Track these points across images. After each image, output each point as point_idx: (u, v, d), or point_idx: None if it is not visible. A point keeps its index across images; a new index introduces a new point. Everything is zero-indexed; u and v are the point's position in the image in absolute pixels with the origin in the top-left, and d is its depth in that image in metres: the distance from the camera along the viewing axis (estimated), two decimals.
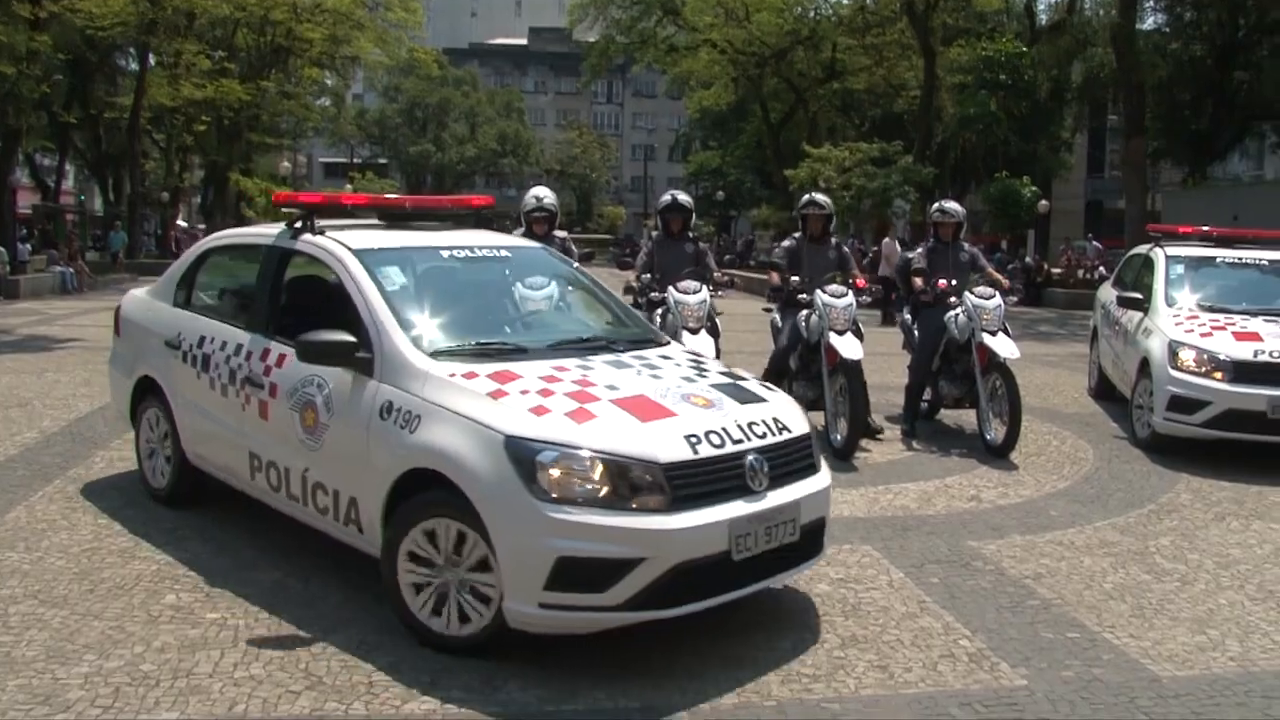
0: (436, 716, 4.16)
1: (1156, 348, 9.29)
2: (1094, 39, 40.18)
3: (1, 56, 24.05)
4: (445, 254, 6.03)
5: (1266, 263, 10.58)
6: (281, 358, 5.58)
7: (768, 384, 5.81)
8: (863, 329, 9.14)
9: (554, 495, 4.33)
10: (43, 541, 6.08)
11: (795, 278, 9.41)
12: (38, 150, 45.13)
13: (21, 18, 24.74)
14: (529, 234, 9.10)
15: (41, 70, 28.86)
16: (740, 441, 4.75)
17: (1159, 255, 10.66)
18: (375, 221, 6.35)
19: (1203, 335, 9.11)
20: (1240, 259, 10.59)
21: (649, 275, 9.32)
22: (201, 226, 47.35)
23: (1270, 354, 8.74)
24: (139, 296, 7.36)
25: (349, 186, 53.09)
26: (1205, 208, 28.62)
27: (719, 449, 4.65)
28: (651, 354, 5.60)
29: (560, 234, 9.46)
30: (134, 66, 39.32)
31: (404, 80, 71.46)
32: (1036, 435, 9.76)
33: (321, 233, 5.87)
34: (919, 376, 9.80)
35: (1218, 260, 10.61)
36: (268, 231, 6.38)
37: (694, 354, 6.00)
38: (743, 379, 5.54)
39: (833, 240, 9.91)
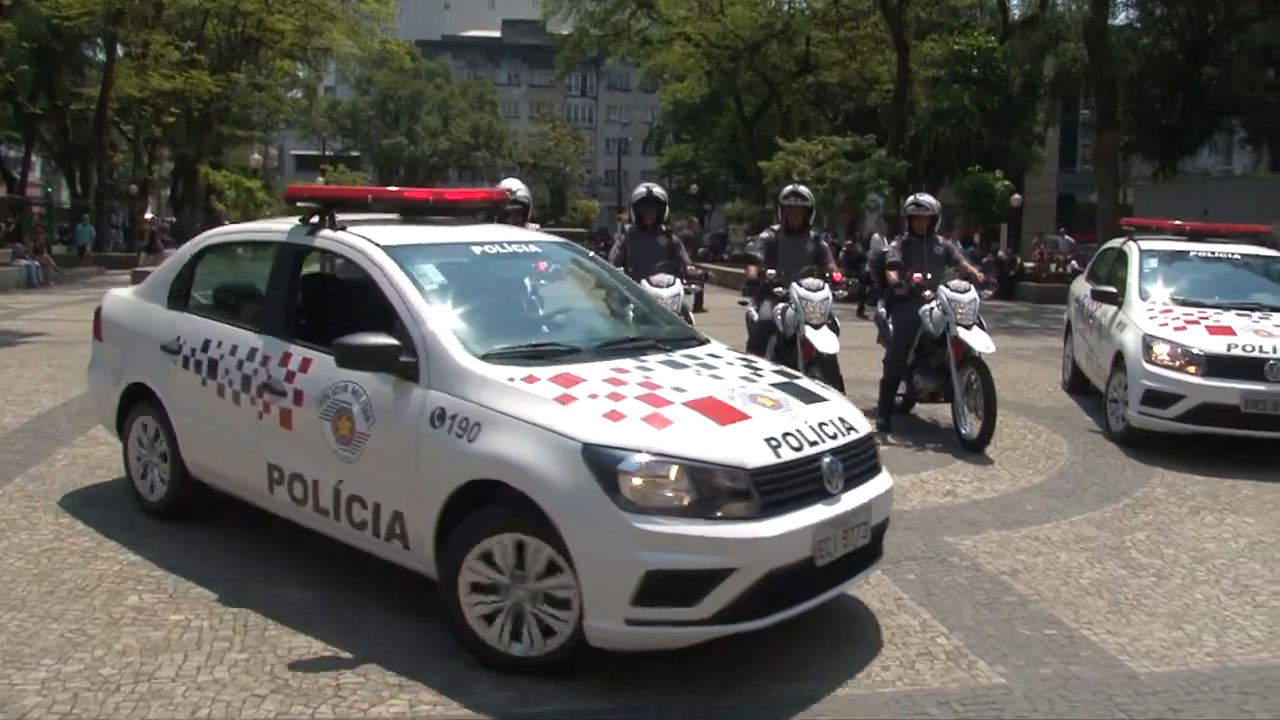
0: (406, 719, 4.07)
1: (1131, 342, 9.28)
2: (1066, 34, 40.34)
3: None
4: (477, 250, 5.73)
5: (1238, 257, 10.63)
6: (306, 362, 5.24)
7: (822, 383, 5.68)
8: (839, 323, 9.10)
9: (639, 505, 4.12)
10: (1, 542, 5.94)
11: (772, 271, 9.34)
12: (3, 142, 44.66)
13: None
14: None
15: (5, 59, 28.49)
16: (816, 443, 4.61)
17: (1133, 249, 10.66)
18: (390, 216, 6.00)
19: (1177, 329, 9.11)
20: (1213, 253, 10.62)
21: (622, 269, 9.23)
22: (171, 220, 46.96)
23: (1243, 348, 8.74)
24: (123, 297, 6.86)
25: (321, 179, 52.73)
26: (1175, 202, 28.80)
27: (798, 451, 4.50)
28: (700, 353, 5.44)
29: (533, 227, 9.35)
30: (101, 57, 38.95)
31: (376, 72, 71.08)
32: (1011, 429, 9.75)
33: (343, 228, 5.54)
34: (894, 371, 9.76)
35: (1190, 254, 10.63)
36: (278, 227, 6.00)
37: (742, 353, 5.86)
38: (796, 377, 5.45)
39: (811, 233, 9.85)
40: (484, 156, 75.25)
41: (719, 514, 4.19)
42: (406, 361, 4.77)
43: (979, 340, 8.93)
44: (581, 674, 4.41)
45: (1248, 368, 8.64)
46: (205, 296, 6.42)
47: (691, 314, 9.12)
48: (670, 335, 5.78)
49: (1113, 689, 4.54)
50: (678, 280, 8.90)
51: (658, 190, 9.80)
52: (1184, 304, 9.68)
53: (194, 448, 5.98)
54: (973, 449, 8.84)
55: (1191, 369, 8.76)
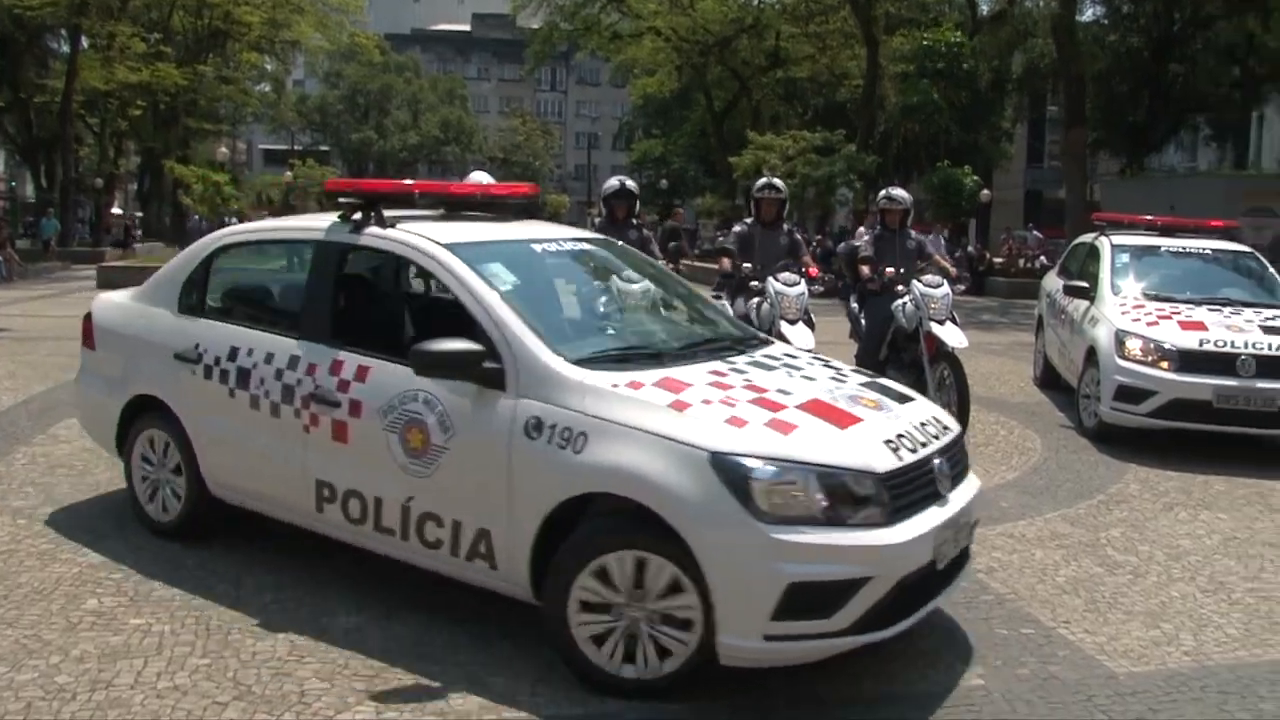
0: None
1: (1103, 337, 9.27)
2: (1034, 30, 40.51)
3: None
4: (537, 248, 5.50)
5: (1209, 252, 10.65)
6: (362, 370, 4.86)
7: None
8: (814, 317, 9.04)
9: (774, 515, 3.94)
10: None
11: (747, 265, 9.26)
12: None
13: None
14: None
15: None
16: (925, 445, 4.51)
17: (1104, 244, 10.66)
18: (424, 213, 5.62)
19: (1149, 324, 9.10)
20: (1184, 248, 10.65)
21: None
22: (138, 214, 46.49)
23: (1215, 343, 8.74)
24: (119, 302, 6.31)
25: (289, 173, 52.33)
26: (1142, 198, 28.94)
27: (914, 454, 4.39)
28: (777, 352, 5.31)
29: None
30: (65, 48, 38.35)
31: (345, 66, 70.66)
32: (984, 425, 9.71)
33: (392, 225, 5.21)
34: (866, 366, 9.69)
35: (1162, 249, 10.65)
36: (312, 225, 5.59)
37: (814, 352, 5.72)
38: (876, 376, 5.35)
39: (784, 226, 9.77)
40: (454, 151, 75.02)
41: (853, 521, 4.06)
42: (491, 368, 4.46)
43: (952, 335, 8.89)
44: (552, 676, 4.32)
45: (1220, 363, 8.64)
46: (226, 300, 5.99)
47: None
48: (737, 335, 5.64)
49: (1092, 689, 4.49)
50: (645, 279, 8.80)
51: (630, 183, 9.69)
52: (1156, 299, 9.68)
53: (218, 464, 5.52)
54: None
55: (1164, 364, 8.75)
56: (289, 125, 69.47)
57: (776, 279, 8.84)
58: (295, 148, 69.17)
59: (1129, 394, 8.84)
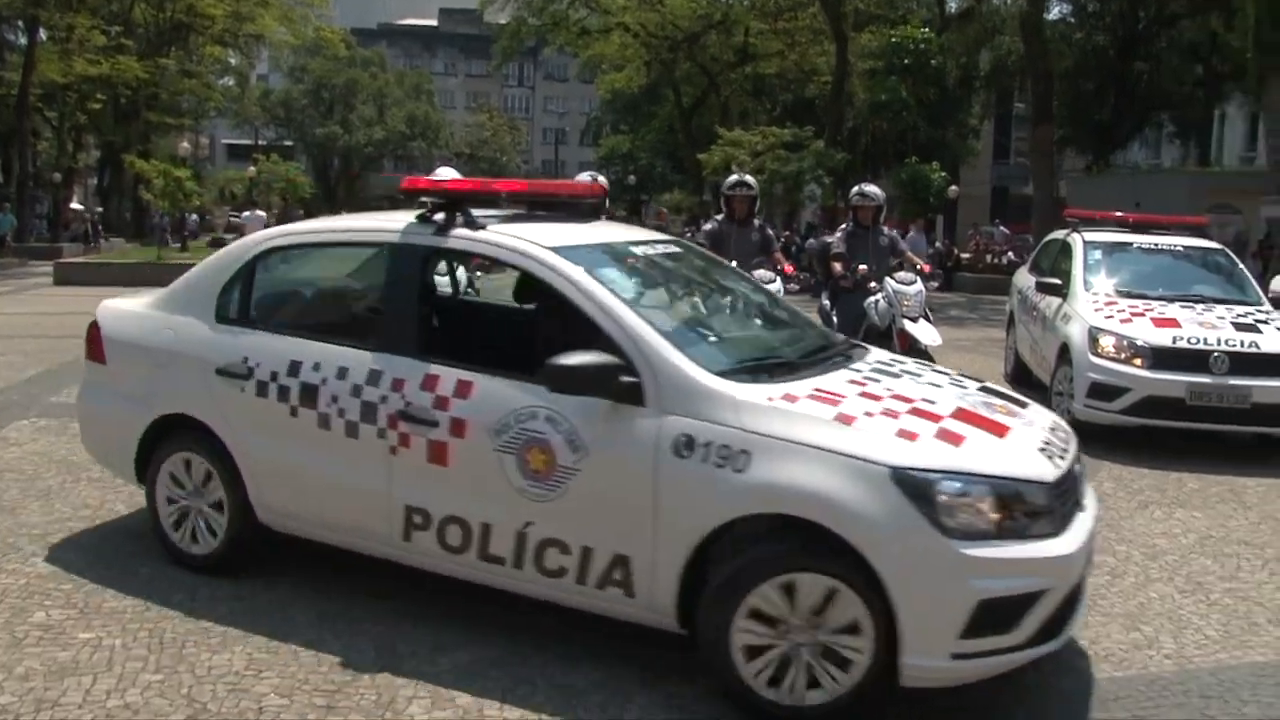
0: None
1: (1076, 334, 9.21)
2: (1002, 28, 40.66)
3: None
4: (639, 251, 5.25)
5: (1180, 249, 10.63)
6: (464, 386, 4.48)
7: None
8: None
9: (960, 531, 3.81)
10: None
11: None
12: None
13: None
14: None
15: None
16: (1065, 452, 4.43)
17: (1077, 241, 10.61)
18: (508, 213, 5.25)
19: (1122, 322, 9.05)
20: (1156, 245, 10.63)
21: None
22: (99, 210, 45.84)
23: (1188, 340, 8.70)
24: (135, 311, 5.69)
25: (252, 169, 51.84)
26: (1108, 194, 29.09)
27: (1063, 461, 4.30)
28: (886, 358, 5.20)
29: None
30: (23, 40, 37.77)
31: (310, 60, 70.00)
32: None
33: (482, 227, 4.86)
34: None
35: (1134, 246, 10.62)
36: (384, 225, 5.15)
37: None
38: (982, 381, 5.22)
39: (756, 222, 9.65)
40: (420, 146, 74.54)
41: (1030, 533, 3.96)
42: (628, 383, 4.17)
43: (925, 333, 8.81)
44: (519, 690, 4.18)
45: (1193, 360, 8.61)
46: (278, 308, 5.55)
47: None
48: (837, 340, 5.47)
49: (1073, 695, 4.40)
50: None
51: (601, 179, 9.53)
52: (1129, 296, 9.64)
53: (271, 490, 5.04)
54: None
55: (1137, 361, 8.70)
56: (253, 120, 68.84)
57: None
58: (259, 143, 68.62)
59: (1102, 391, 8.79)
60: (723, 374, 4.23)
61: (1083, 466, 4.60)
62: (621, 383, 4.16)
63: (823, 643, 3.94)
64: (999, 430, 4.32)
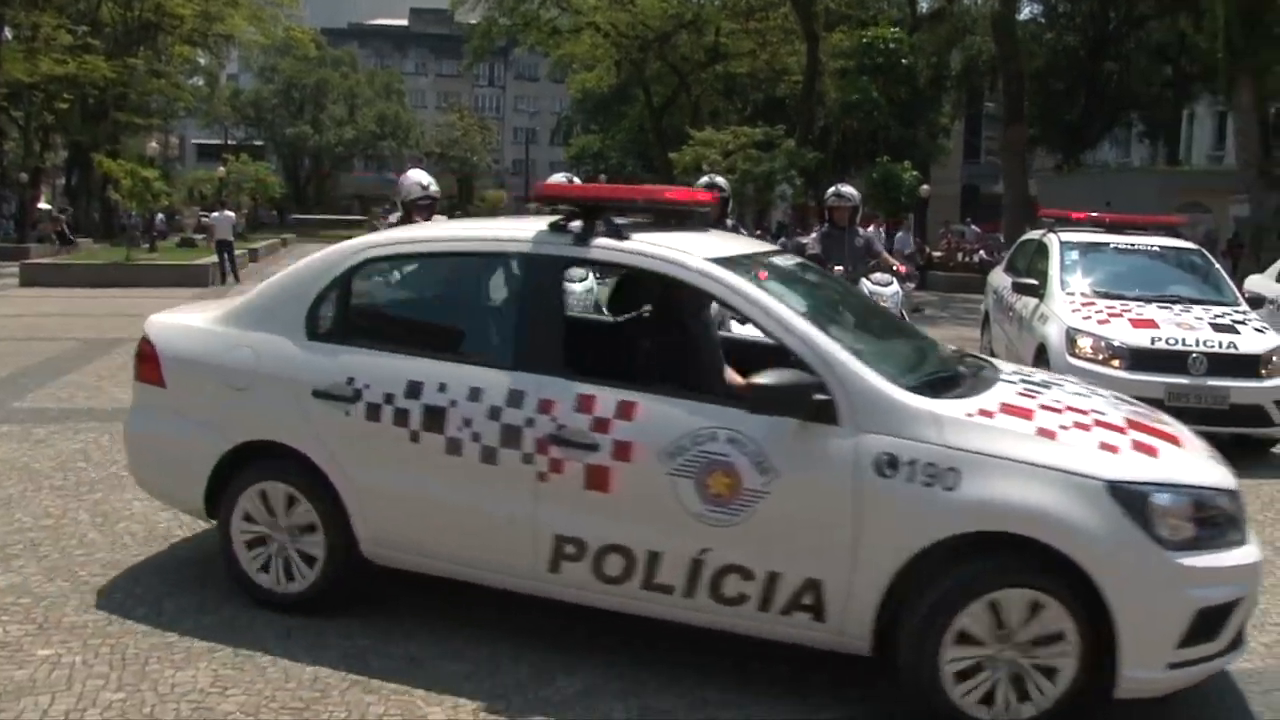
0: None
1: (1054, 334, 9.17)
2: (973, 28, 40.86)
3: None
4: (780, 262, 5.09)
5: (1157, 249, 10.60)
6: (627, 406, 4.22)
7: None
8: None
9: (1174, 542, 3.84)
10: None
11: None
12: None
13: None
14: (407, 221, 8.57)
15: None
16: (1214, 459, 4.42)
17: (1053, 241, 10.57)
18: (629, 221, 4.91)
19: (1100, 322, 9.01)
20: (1132, 245, 10.59)
21: None
22: (67, 209, 45.31)
23: (1167, 341, 8.67)
24: (196, 326, 5.22)
25: (222, 169, 51.41)
26: (1079, 193, 29.26)
27: (1228, 468, 4.35)
28: (1023, 370, 5.21)
29: (440, 219, 8.94)
30: None
31: (280, 60, 69.63)
32: None
33: (626, 237, 4.60)
34: None
35: (1110, 246, 10.58)
36: (510, 234, 4.87)
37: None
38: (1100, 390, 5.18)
39: (729, 223, 9.53)
40: (390, 146, 74.26)
41: (1228, 541, 4.00)
42: (821, 400, 4.02)
43: None
44: (490, 700, 4.06)
45: (1171, 361, 8.57)
46: (384, 324, 5.19)
47: None
48: (957, 350, 5.42)
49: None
50: (590, 274, 8.56)
51: (576, 179, 9.43)
52: (1106, 296, 9.60)
53: (383, 521, 4.66)
54: None
55: (1115, 362, 8.66)
56: (223, 120, 68.44)
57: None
58: (229, 143, 68.16)
59: None
60: (911, 390, 4.15)
61: None
62: (815, 401, 4.02)
63: (1028, 657, 3.91)
64: (1175, 440, 4.38)
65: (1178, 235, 11.38)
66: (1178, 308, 9.30)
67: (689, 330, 5.02)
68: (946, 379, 4.52)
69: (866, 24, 37.93)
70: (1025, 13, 41.19)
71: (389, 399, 4.55)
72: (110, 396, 9.72)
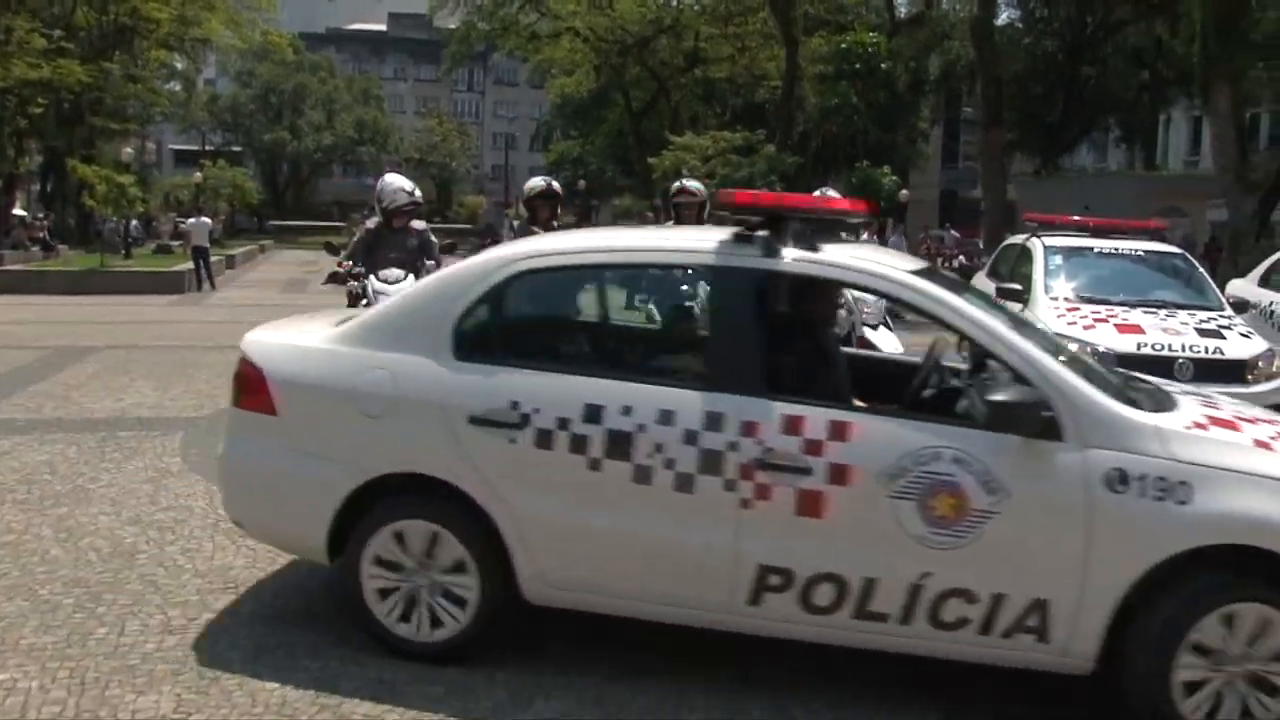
0: None
1: None
2: (951, 32, 40.96)
3: None
4: (945, 274, 5.05)
5: (1140, 253, 10.55)
6: (841, 427, 4.04)
7: None
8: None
9: None
10: None
11: None
12: None
13: None
14: (387, 227, 8.43)
15: None
16: None
17: (1037, 245, 10.50)
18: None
19: (1085, 328, 8.94)
20: (1116, 249, 10.53)
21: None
22: (41, 216, 44.89)
23: (1153, 346, 8.62)
24: (316, 346, 4.72)
25: (198, 174, 51.06)
26: (1057, 197, 29.29)
27: None
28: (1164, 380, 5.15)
29: (418, 225, 8.78)
30: None
31: (258, 65, 69.20)
32: None
33: (818, 249, 4.39)
34: None
35: (1094, 251, 10.52)
36: (690, 245, 4.64)
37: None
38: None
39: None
40: (369, 152, 73.90)
41: None
42: (1048, 416, 3.93)
43: (886, 341, 8.61)
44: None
45: (1158, 366, 8.44)
46: (546, 341, 4.88)
47: None
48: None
49: None
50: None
51: (555, 184, 9.26)
52: (1090, 301, 9.55)
53: (555, 559, 4.31)
54: None
55: None
56: (200, 125, 68.00)
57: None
58: (207, 148, 67.74)
59: None
60: (1128, 404, 4.10)
61: None
62: (1043, 417, 3.93)
63: (1257, 671, 3.84)
64: None
65: (1162, 239, 11.34)
66: (1163, 313, 9.25)
67: (825, 343, 4.89)
68: (1143, 393, 4.45)
69: (845, 29, 38.01)
70: (1003, 17, 41.34)
71: (563, 424, 4.20)
72: (80, 407, 9.52)
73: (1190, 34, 25.81)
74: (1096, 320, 9.04)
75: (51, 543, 5.74)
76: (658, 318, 5.66)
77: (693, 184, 9.47)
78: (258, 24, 48.80)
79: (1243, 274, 14.60)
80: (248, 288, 26.97)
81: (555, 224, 9.10)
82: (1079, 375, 4.09)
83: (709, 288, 4.47)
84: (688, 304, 4.68)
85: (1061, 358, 4.24)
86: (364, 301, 7.99)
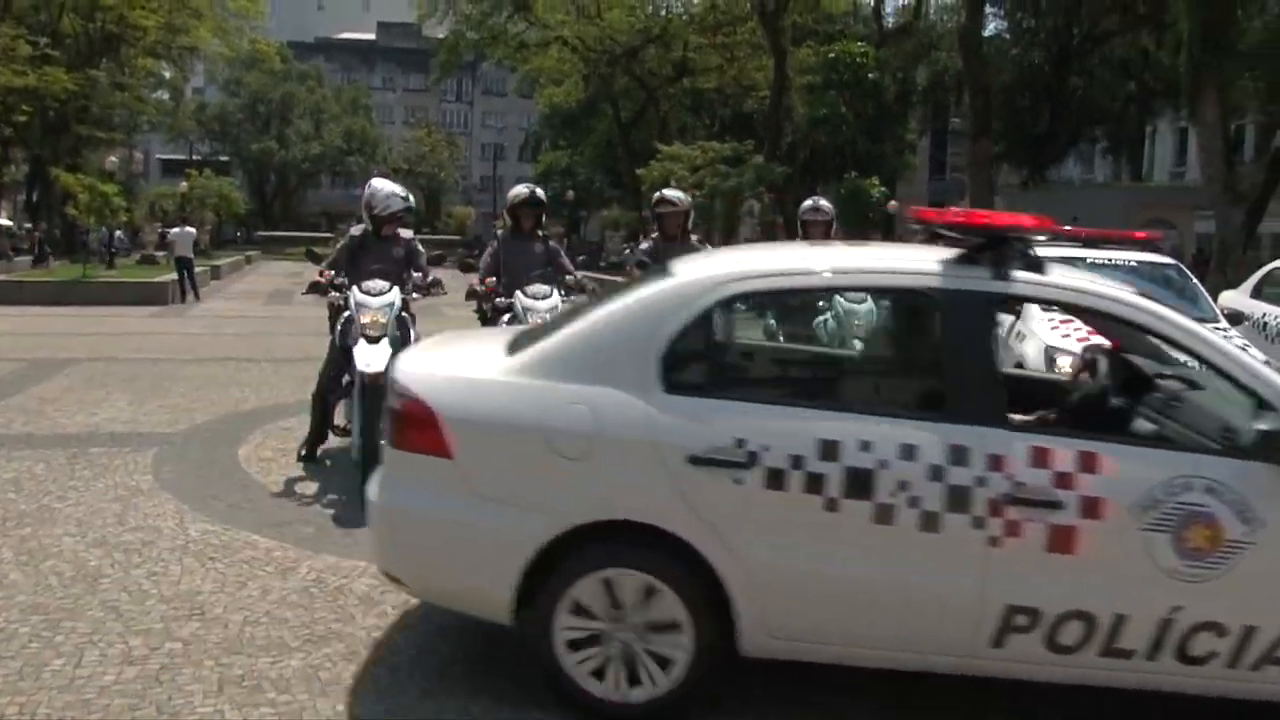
0: None
1: (1032, 353, 8.93)
2: (939, 43, 41.01)
3: None
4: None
5: (1134, 264, 10.41)
6: (1090, 458, 3.86)
7: None
8: None
9: None
10: None
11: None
12: None
13: None
14: (375, 234, 8.19)
15: None
16: None
17: None
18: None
19: (1079, 340, 8.74)
20: (1109, 260, 10.38)
21: (495, 279, 8.49)
22: (30, 226, 44.60)
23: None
24: (493, 380, 4.22)
25: (184, 184, 50.79)
26: (1044, 209, 29.09)
27: None
28: None
29: (406, 233, 8.54)
30: None
31: (246, 74, 69.16)
32: None
33: (1044, 270, 4.19)
34: None
35: (1087, 261, 10.35)
36: (914, 266, 4.39)
37: None
38: None
39: (693, 238, 9.22)
40: (357, 162, 73.76)
41: None
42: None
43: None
44: None
45: None
46: (767, 371, 4.53)
47: None
48: None
49: None
50: (555, 291, 8.21)
51: (539, 192, 9.02)
52: None
53: (784, 610, 4.00)
54: None
55: None
56: (187, 134, 67.81)
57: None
58: (194, 158, 67.56)
59: None
60: None
61: None
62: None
63: None
64: None
65: (1155, 250, 11.20)
66: None
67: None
68: None
69: (833, 39, 38.02)
70: (990, 28, 41.39)
71: (797, 463, 3.89)
72: (52, 422, 9.30)
73: (1176, 44, 25.79)
74: (1091, 332, 8.86)
75: (11, 566, 5.52)
76: (857, 343, 5.34)
77: (673, 194, 9.26)
78: (246, 33, 48.74)
79: (1232, 285, 14.46)
80: (232, 299, 26.75)
81: (540, 233, 8.88)
82: None
83: (944, 313, 4.19)
84: (930, 329, 4.46)
85: None
86: (345, 314, 7.78)
